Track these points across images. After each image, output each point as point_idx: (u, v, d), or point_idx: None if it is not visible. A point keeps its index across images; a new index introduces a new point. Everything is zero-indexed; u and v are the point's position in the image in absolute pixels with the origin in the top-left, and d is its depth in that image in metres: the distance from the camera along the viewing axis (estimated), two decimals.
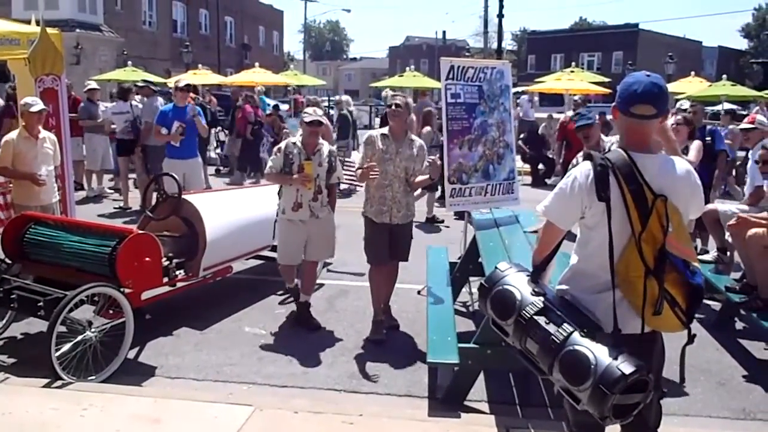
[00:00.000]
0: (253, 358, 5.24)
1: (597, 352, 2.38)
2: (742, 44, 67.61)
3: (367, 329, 5.67)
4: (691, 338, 2.62)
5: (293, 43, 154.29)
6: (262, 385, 4.80)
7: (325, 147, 5.81)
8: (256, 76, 17.68)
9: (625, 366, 2.33)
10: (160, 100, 10.71)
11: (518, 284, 2.66)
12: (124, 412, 4.01)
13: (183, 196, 5.89)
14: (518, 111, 20.54)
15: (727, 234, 6.01)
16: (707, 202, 6.89)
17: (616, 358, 2.35)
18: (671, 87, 19.92)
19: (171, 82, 18.99)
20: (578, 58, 51.45)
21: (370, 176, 5.17)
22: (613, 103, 2.66)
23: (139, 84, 11.77)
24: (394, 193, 5.42)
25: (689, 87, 17.10)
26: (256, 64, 18.60)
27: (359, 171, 5.36)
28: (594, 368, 2.34)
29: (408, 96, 6.04)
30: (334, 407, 4.25)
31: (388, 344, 5.54)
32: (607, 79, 20.14)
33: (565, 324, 2.49)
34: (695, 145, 6.64)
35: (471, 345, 4.40)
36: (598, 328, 2.53)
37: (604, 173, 2.50)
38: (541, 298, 2.59)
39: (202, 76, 18.01)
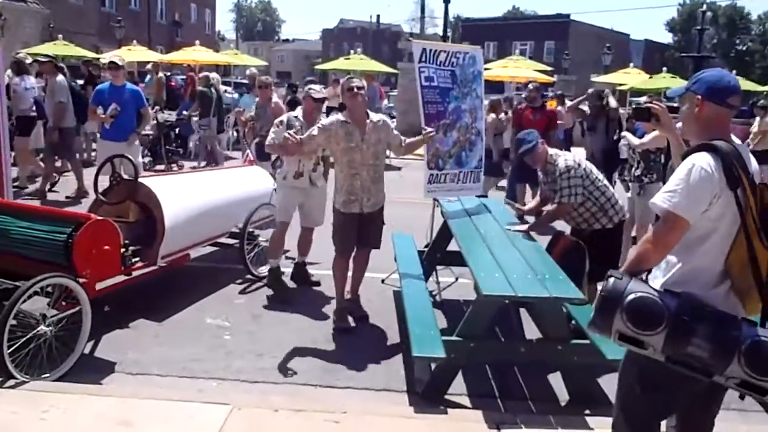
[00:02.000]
0: (220, 352, 4.97)
1: None
2: (667, 38, 69.99)
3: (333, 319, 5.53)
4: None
5: (224, 22, 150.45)
6: (232, 381, 4.55)
7: (323, 120, 5.79)
8: (197, 54, 17.03)
9: None
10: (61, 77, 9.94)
11: (647, 289, 2.50)
12: (89, 413, 3.71)
13: (139, 180, 5.54)
14: None
15: None
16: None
17: None
18: (610, 78, 20.38)
19: (105, 59, 18.18)
20: (511, 46, 52.20)
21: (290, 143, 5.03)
22: (698, 96, 2.61)
23: (42, 60, 10.82)
24: (363, 181, 5.25)
25: (629, 78, 17.49)
26: (197, 42, 17.91)
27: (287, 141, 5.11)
28: None
29: (362, 79, 5.86)
30: (316, 404, 4.05)
31: (359, 336, 5.38)
32: (549, 68, 20.37)
33: (733, 319, 2.44)
34: (655, 133, 6.71)
35: (454, 338, 4.27)
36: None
37: (730, 162, 2.47)
38: (688, 299, 2.47)
39: (138, 53, 17.20)
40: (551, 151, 5.35)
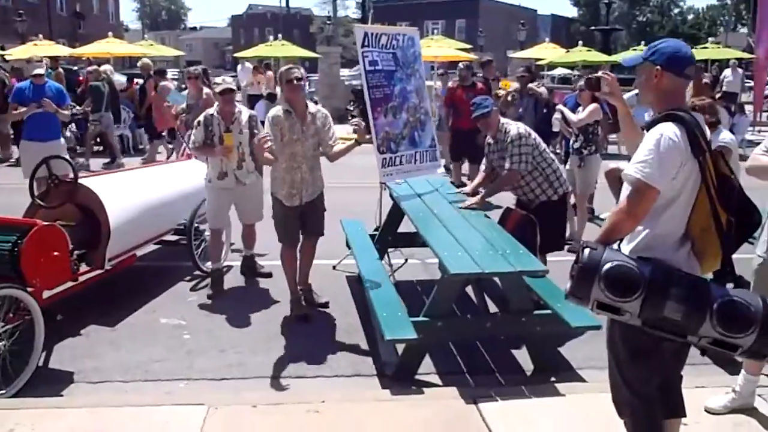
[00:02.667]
0: (180, 352, 4.85)
1: (744, 296, 2.52)
2: (573, 12, 71.95)
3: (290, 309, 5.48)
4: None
5: (126, 12, 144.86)
6: (199, 381, 4.45)
7: (244, 113, 5.85)
8: (110, 46, 16.33)
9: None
10: None
11: (623, 257, 2.57)
12: (59, 428, 3.56)
13: (79, 181, 5.30)
14: None
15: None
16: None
17: (762, 299, 2.52)
18: (527, 54, 20.81)
19: (11, 55, 17.20)
20: (423, 25, 52.50)
21: (265, 147, 4.85)
22: (656, 66, 2.67)
23: None
24: (303, 174, 5.17)
25: (546, 53, 17.92)
26: (110, 33, 17.17)
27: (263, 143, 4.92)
28: (754, 311, 2.46)
29: (299, 68, 5.69)
30: (292, 397, 4.03)
31: (319, 324, 5.35)
32: (469, 46, 20.63)
33: (701, 281, 2.57)
34: (592, 107, 6.95)
35: (422, 319, 4.31)
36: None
37: (693, 131, 2.57)
38: (657, 264, 2.57)
39: (46, 48, 16.36)
40: (503, 119, 5.44)
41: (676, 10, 70.29)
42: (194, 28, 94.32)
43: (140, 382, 4.42)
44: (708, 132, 2.74)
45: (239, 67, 18.23)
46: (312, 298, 5.61)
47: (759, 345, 2.45)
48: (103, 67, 13.11)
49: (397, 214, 6.15)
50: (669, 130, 2.55)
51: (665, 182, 2.54)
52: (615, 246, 2.71)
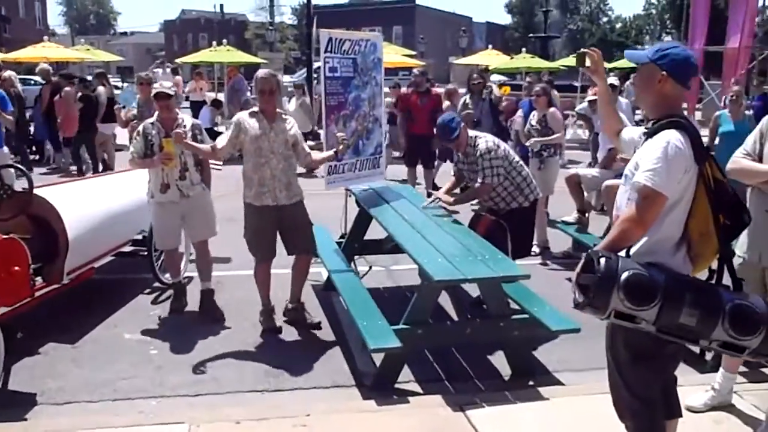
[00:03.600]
0: (149, 368, 4.66)
1: (748, 298, 2.59)
2: (507, 19, 73.42)
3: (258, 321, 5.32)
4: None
5: (53, 16, 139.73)
6: (172, 398, 4.28)
7: (188, 120, 5.49)
8: (47, 51, 15.70)
9: None
10: None
11: (637, 266, 2.55)
12: None
13: (34, 192, 5.04)
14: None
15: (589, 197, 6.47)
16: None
17: (764, 301, 2.59)
18: (471, 60, 21.07)
19: None
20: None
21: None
22: (662, 71, 2.67)
23: None
24: (272, 170, 5.00)
25: (490, 59, 18.18)
26: (45, 38, 16.54)
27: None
28: (760, 313, 2.52)
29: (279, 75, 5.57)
30: (276, 411, 3.90)
31: (290, 336, 5.23)
32: (413, 52, 20.74)
33: (710, 286, 2.64)
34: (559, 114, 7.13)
35: (403, 326, 4.26)
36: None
37: (696, 138, 2.62)
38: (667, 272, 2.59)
39: None
40: (471, 132, 5.46)
41: (605, 19, 72.54)
42: (125, 33, 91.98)
43: (109, 401, 4.22)
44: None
45: (159, 71, 17.60)
46: (303, 317, 5.36)
47: (764, 345, 2.50)
48: (6, 74, 12.49)
49: (363, 221, 6.10)
50: (674, 137, 2.58)
51: (672, 189, 2.57)
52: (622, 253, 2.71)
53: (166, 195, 5.33)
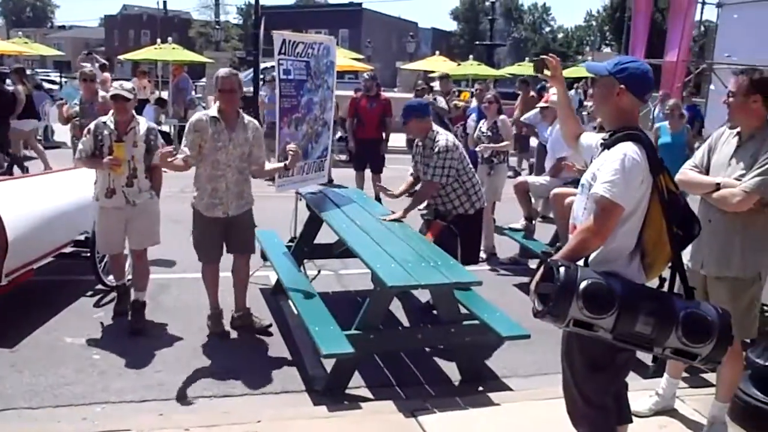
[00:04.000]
0: (92, 373, 4.52)
1: (700, 306, 2.65)
2: (452, 26, 74.27)
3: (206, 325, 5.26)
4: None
5: None
6: (117, 404, 4.16)
7: (142, 125, 5.20)
8: None
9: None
10: None
11: (594, 274, 2.59)
12: None
13: None
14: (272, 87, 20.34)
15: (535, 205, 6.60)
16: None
17: (715, 310, 2.64)
18: (419, 65, 21.21)
19: None
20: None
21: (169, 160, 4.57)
22: (620, 84, 2.73)
23: None
24: (228, 183, 4.93)
25: (438, 65, 18.34)
26: None
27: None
28: (711, 320, 2.57)
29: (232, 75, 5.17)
30: (225, 417, 3.84)
31: (239, 340, 5.16)
32: (361, 56, 20.74)
33: (666, 294, 2.70)
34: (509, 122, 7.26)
35: (355, 332, 4.25)
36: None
37: (652, 150, 2.68)
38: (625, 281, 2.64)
39: None
40: (435, 127, 5.48)
41: (548, 29, 74.24)
42: (63, 27, 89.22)
43: (51, 408, 4.07)
44: None
45: (88, 65, 16.97)
46: (252, 322, 5.27)
47: (715, 353, 2.58)
48: None
49: (314, 225, 6.06)
50: (631, 149, 2.65)
51: (630, 199, 2.63)
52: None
53: (111, 200, 5.11)
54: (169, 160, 4.54)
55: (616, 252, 2.72)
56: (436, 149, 5.28)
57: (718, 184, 3.43)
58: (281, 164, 5.14)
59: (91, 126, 5.19)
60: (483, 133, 7.53)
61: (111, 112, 5.21)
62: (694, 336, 2.56)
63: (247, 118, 5.07)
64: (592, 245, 2.67)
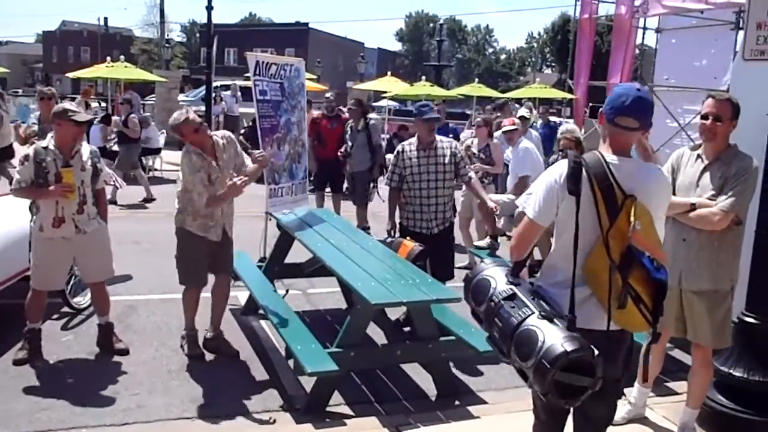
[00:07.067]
0: (68, 397, 4.44)
1: (547, 332, 2.48)
2: (397, 47, 75.13)
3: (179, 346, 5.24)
4: (656, 336, 2.75)
5: None
6: (97, 428, 4.12)
7: (85, 148, 4.95)
8: None
9: (568, 344, 2.42)
10: None
11: (495, 275, 2.74)
12: None
13: None
14: (222, 106, 20.28)
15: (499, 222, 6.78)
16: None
17: (564, 338, 2.44)
18: (370, 86, 21.42)
19: None
20: (252, 52, 52.22)
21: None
22: (601, 109, 2.81)
23: None
24: (223, 207, 4.97)
25: (390, 86, 18.57)
26: None
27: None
28: (541, 345, 2.44)
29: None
30: None
31: (215, 361, 5.13)
32: (314, 76, 20.82)
33: (525, 308, 2.58)
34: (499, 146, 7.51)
35: (336, 349, 4.32)
36: (558, 316, 2.59)
37: (577, 170, 2.65)
38: (512, 287, 2.67)
39: None
40: (439, 137, 5.71)
41: (491, 50, 75.85)
42: None
43: None
44: (626, 176, 2.66)
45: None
46: (225, 344, 5.23)
47: (535, 379, 2.49)
48: None
49: (285, 244, 6.10)
50: (556, 168, 2.73)
51: (543, 215, 2.73)
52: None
53: (59, 230, 4.76)
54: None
55: (549, 268, 2.84)
56: (458, 152, 5.71)
57: (693, 204, 3.62)
58: (255, 167, 5.09)
59: (30, 152, 4.79)
60: (475, 155, 7.69)
61: (50, 135, 4.86)
62: (520, 352, 2.52)
63: (219, 134, 5.09)
64: (512, 252, 2.84)
